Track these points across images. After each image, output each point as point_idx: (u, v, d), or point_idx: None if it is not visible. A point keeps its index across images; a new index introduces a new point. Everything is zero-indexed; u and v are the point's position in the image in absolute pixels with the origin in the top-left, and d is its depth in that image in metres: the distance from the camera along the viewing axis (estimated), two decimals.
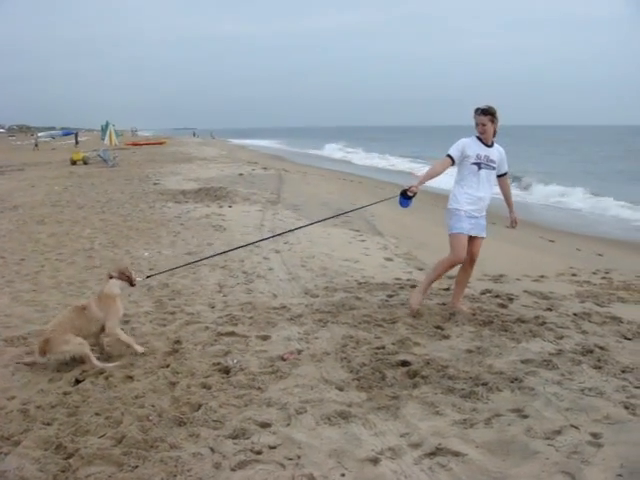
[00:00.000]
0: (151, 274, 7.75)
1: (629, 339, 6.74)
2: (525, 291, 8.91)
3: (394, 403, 5.00)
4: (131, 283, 6.38)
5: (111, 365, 5.86)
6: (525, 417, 4.73)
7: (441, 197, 25.14)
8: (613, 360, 5.95)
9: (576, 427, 4.55)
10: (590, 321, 7.39)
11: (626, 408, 4.85)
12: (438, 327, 6.95)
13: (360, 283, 9.17)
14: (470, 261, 7.52)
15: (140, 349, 6.16)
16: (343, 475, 3.98)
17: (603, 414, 4.75)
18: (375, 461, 4.15)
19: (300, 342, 6.52)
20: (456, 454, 4.22)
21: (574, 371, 5.65)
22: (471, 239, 7.40)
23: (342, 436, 4.49)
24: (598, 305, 8.36)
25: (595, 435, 4.44)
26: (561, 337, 6.66)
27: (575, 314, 7.66)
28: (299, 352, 6.19)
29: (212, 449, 4.30)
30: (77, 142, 61.44)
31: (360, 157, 59.04)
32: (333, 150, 70.22)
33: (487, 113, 7.08)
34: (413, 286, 8.95)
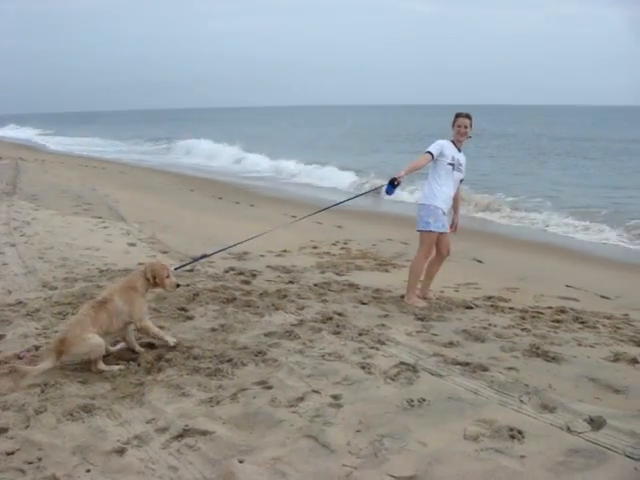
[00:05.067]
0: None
1: (365, 304, 7.17)
2: (268, 266, 9.12)
3: (139, 390, 4.83)
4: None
5: (116, 368, 5.32)
6: (269, 388, 4.81)
7: (185, 179, 25.09)
8: (351, 325, 6.28)
9: (317, 392, 4.72)
10: (330, 290, 7.75)
11: (362, 368, 5.14)
12: (182, 309, 6.85)
13: (102, 271, 8.78)
14: (446, 253, 7.68)
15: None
16: (89, 471, 3.76)
17: (342, 376, 4.99)
18: (121, 452, 3.97)
19: (38, 338, 6.04)
20: (204, 433, 4.17)
21: (315, 339, 5.87)
22: (442, 235, 7.53)
23: (86, 430, 4.24)
24: (337, 274, 8.80)
25: (335, 397, 4.64)
26: (302, 308, 6.90)
27: (316, 284, 7.99)
28: (37, 349, 5.75)
29: None
30: None
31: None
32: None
33: (470, 117, 7.45)
34: None
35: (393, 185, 7.16)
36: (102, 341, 5.30)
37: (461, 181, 7.69)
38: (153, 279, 5.71)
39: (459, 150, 7.53)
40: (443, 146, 7.40)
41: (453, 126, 7.51)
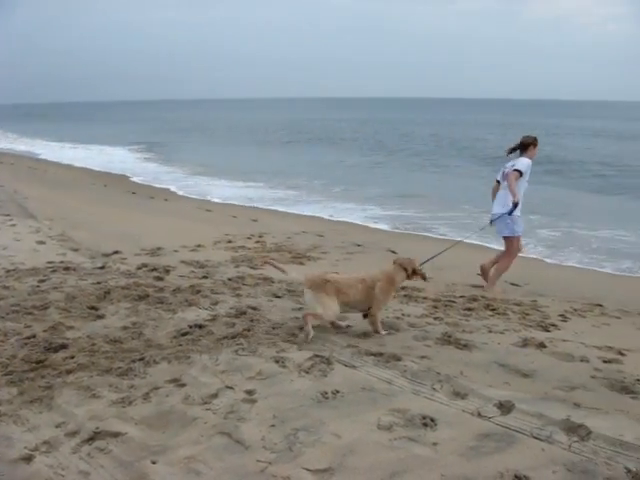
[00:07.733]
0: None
1: (279, 297, 7.14)
2: (182, 261, 8.98)
3: (48, 393, 4.66)
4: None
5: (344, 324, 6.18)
6: (183, 386, 4.73)
7: (98, 175, 24.52)
8: (265, 318, 6.25)
9: (231, 387, 4.66)
10: (244, 284, 7.70)
11: (276, 362, 5.10)
12: (92, 307, 6.65)
13: (8, 271, 8.46)
14: (521, 248, 9.02)
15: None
16: None
17: (256, 371, 4.94)
18: (29, 459, 3.82)
19: None
20: (115, 435, 4.05)
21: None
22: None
23: None
24: (252, 268, 8.73)
25: (249, 392, 4.59)
26: (216, 303, 6.82)
27: (230, 279, 7.91)
28: None
29: None
30: None
31: None
32: None
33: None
34: (66, 268, 8.51)
35: (515, 207, 8.31)
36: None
37: None
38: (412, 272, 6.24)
39: None
40: (530, 167, 8.49)
41: (535, 147, 8.65)
